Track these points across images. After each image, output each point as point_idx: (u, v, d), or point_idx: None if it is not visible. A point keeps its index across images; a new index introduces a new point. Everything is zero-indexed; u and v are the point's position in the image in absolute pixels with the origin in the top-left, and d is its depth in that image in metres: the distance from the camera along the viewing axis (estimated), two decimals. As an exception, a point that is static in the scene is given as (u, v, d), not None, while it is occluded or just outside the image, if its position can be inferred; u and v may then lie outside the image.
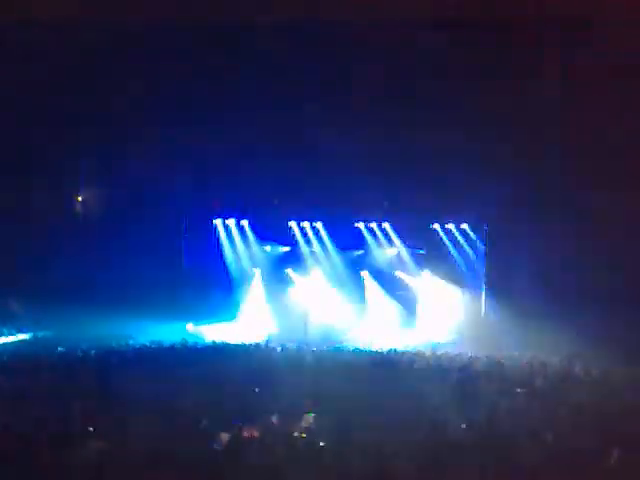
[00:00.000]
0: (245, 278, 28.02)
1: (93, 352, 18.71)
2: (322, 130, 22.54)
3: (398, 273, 27.98)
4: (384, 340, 24.50)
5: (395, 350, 21.91)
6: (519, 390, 14.35)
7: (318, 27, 20.28)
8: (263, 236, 27.91)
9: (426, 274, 27.66)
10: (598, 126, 21.28)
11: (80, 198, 26.07)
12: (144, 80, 22.17)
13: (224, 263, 27.79)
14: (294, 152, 23.91)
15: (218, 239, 27.76)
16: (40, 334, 22.22)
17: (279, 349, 21.29)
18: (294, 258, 28.01)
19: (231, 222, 27.82)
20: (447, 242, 27.45)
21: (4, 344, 21.23)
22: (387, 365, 18.14)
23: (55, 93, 21.95)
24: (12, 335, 22.11)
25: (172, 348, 20.28)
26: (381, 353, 21.32)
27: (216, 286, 27.13)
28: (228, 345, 22.38)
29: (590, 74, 20.60)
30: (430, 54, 21.22)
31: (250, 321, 27.36)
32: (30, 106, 22.00)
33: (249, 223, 27.76)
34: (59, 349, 19.22)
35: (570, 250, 23.41)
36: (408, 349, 22.95)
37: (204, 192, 25.63)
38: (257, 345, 22.20)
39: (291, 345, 22.25)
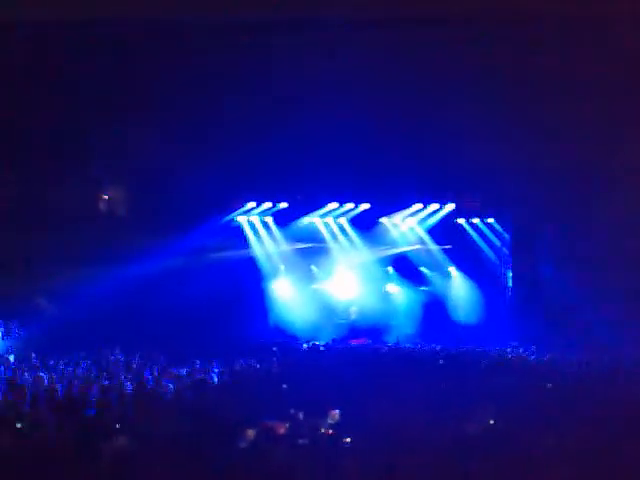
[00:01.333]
0: (274, 274, 27.99)
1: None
2: (343, 122, 22.46)
3: (423, 269, 27.93)
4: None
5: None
6: (549, 385, 14.25)
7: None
8: (287, 232, 27.88)
9: (452, 270, 27.60)
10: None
11: (106, 197, 26.24)
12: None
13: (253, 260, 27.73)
14: (320, 150, 23.71)
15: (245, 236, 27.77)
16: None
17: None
18: (319, 254, 28.01)
19: (255, 219, 27.84)
20: (474, 237, 27.39)
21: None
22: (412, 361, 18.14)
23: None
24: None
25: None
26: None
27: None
28: None
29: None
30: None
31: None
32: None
33: (274, 220, 27.78)
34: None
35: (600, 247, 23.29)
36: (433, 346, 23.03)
37: (228, 188, 25.58)
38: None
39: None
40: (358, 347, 23.44)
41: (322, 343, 23.50)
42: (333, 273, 27.85)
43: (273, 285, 27.78)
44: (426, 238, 27.64)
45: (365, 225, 27.51)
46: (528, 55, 21.24)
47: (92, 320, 22.38)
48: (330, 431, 9.93)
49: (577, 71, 20.95)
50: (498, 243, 27.22)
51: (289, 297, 27.63)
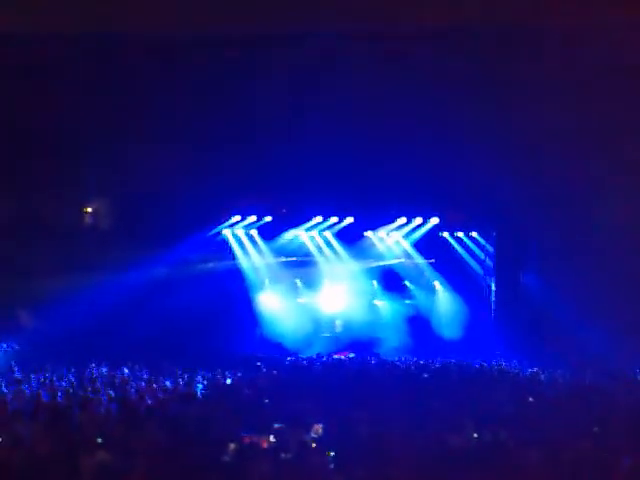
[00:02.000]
0: (260, 287, 28.00)
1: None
2: (327, 137, 22.55)
3: (407, 283, 28.01)
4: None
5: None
6: (531, 399, 14.31)
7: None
8: (273, 245, 27.89)
9: (437, 284, 27.73)
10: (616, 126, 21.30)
11: (89, 209, 26.14)
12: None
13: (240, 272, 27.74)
14: (303, 161, 23.76)
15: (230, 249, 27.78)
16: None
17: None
18: (306, 267, 28.04)
19: (240, 232, 27.84)
20: (458, 250, 27.51)
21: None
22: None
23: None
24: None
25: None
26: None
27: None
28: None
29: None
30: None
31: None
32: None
33: (258, 233, 27.79)
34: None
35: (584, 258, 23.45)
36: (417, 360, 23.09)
37: (213, 202, 25.56)
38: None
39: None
40: (342, 361, 23.38)
41: (305, 357, 23.44)
42: (320, 286, 27.88)
43: (259, 297, 27.74)
44: (411, 251, 27.72)
45: (350, 238, 27.55)
46: (514, 69, 21.37)
47: (76, 333, 22.26)
48: (313, 445, 9.94)
49: (563, 84, 21.13)
50: (482, 256, 27.34)
51: (276, 310, 27.59)
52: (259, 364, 20.70)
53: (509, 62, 21.01)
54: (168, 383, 15.87)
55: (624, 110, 20.82)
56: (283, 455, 9.33)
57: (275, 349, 25.45)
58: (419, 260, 27.79)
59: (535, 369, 19.85)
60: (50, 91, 21.64)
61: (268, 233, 27.55)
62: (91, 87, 22.08)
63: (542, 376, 18.54)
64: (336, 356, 24.40)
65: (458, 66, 21.10)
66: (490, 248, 27.04)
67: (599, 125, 21.42)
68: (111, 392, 14.01)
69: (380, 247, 27.86)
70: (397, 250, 27.87)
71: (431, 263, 27.71)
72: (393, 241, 27.77)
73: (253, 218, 27.29)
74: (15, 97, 21.41)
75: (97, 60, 21.34)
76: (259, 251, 27.76)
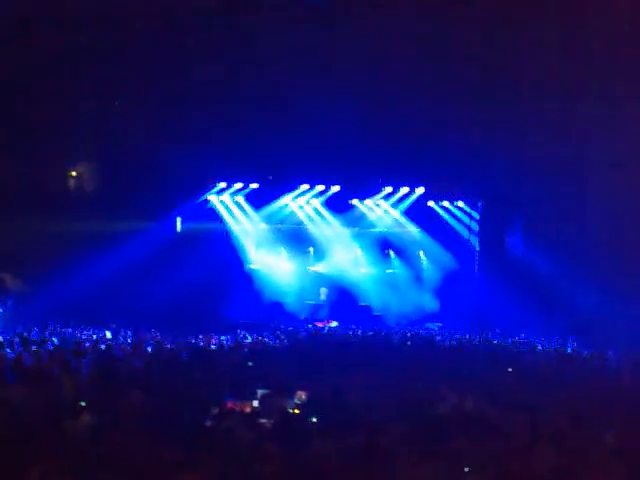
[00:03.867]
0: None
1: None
2: (315, 102, 22.40)
3: (390, 252, 28.10)
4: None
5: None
6: (510, 370, 14.44)
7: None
8: (262, 213, 27.90)
9: (421, 253, 27.85)
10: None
11: (74, 173, 25.97)
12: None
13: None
14: (290, 126, 23.64)
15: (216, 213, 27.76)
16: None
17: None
18: (290, 235, 28.11)
19: (226, 198, 27.77)
20: (448, 220, 27.60)
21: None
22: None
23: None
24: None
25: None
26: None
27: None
28: None
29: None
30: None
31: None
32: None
33: (246, 199, 27.75)
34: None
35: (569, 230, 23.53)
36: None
37: (197, 168, 25.43)
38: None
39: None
40: (325, 329, 23.51)
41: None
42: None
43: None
44: (402, 220, 27.78)
45: (339, 207, 27.58)
46: (508, 45, 21.27)
47: (63, 297, 22.25)
48: (297, 411, 9.98)
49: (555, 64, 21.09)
50: (467, 220, 27.44)
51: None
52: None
53: (497, 28, 20.90)
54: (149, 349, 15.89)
55: (609, 75, 20.82)
56: (265, 421, 9.37)
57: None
58: (409, 228, 27.83)
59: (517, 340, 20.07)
60: (37, 55, 21.39)
61: (255, 200, 27.51)
62: (79, 52, 21.84)
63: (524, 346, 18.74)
64: (319, 324, 24.52)
65: (445, 32, 20.98)
66: (476, 215, 27.15)
67: (585, 91, 21.43)
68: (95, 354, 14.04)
69: (370, 216, 27.92)
70: (386, 219, 27.92)
71: (418, 231, 27.78)
72: (382, 210, 27.79)
73: (239, 185, 27.24)
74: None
75: (89, 26, 21.08)
76: (249, 218, 27.77)
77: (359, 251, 28.04)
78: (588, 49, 20.28)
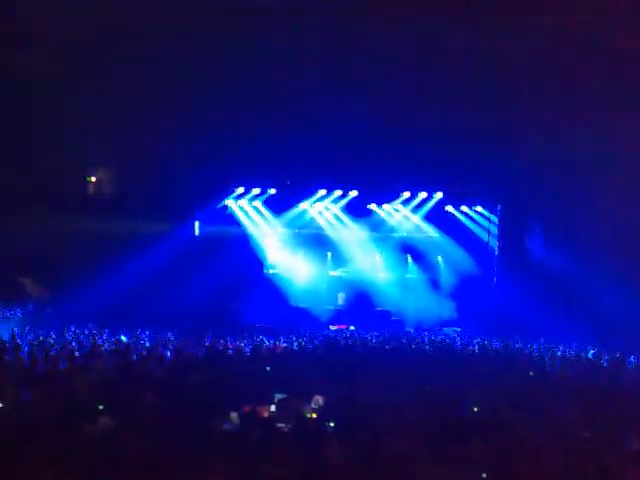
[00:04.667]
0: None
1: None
2: (334, 108, 22.39)
3: (409, 257, 28.07)
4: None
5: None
6: (532, 374, 14.35)
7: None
8: (282, 219, 27.98)
9: (440, 259, 27.77)
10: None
11: (93, 178, 26.10)
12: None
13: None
14: (308, 131, 23.64)
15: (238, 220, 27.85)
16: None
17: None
18: (309, 240, 28.14)
19: (244, 203, 27.83)
20: (466, 224, 27.49)
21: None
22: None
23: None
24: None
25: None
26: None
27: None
28: None
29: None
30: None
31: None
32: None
33: (264, 204, 27.79)
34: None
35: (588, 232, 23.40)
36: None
37: (215, 173, 25.51)
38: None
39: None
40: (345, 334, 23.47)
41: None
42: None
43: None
44: (422, 225, 27.72)
45: (358, 212, 27.58)
46: (525, 47, 21.14)
47: (82, 301, 22.38)
48: (314, 415, 9.96)
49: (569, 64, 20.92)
50: (486, 224, 27.32)
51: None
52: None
53: (507, 33, 20.80)
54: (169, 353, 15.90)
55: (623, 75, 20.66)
56: (283, 425, 9.35)
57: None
58: (429, 233, 27.75)
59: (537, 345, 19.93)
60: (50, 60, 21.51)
61: (274, 205, 27.58)
62: (93, 55, 21.93)
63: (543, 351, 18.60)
64: (334, 327, 24.49)
65: (456, 37, 20.90)
66: (495, 219, 27.05)
67: (596, 90, 21.29)
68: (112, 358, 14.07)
69: (389, 221, 27.89)
70: (406, 224, 27.85)
71: (437, 236, 27.70)
72: (401, 215, 27.73)
73: (257, 190, 27.32)
74: (15, 65, 21.26)
75: (98, 28, 21.13)
76: (267, 222, 27.82)
77: (378, 256, 28.01)
78: (606, 48, 20.09)
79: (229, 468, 7.21)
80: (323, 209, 27.88)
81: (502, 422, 9.19)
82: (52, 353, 14.45)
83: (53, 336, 18.10)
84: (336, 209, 27.74)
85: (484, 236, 27.59)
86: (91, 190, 26.05)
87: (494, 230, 27.29)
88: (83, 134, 24.04)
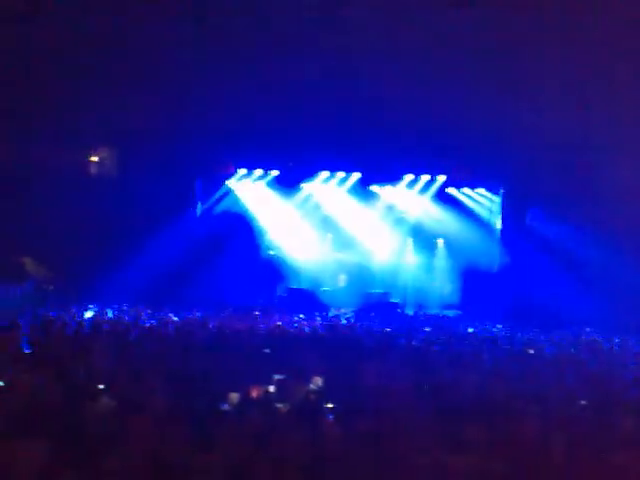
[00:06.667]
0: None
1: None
2: (335, 91, 22.35)
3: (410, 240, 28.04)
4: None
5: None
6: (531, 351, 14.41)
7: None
8: (290, 199, 28.01)
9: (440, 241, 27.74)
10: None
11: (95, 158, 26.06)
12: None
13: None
14: (310, 115, 23.57)
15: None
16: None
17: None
18: (312, 221, 28.15)
19: (247, 184, 27.80)
20: (468, 206, 27.39)
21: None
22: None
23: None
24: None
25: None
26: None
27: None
28: None
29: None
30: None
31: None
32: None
33: (267, 185, 27.75)
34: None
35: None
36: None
37: (217, 153, 25.49)
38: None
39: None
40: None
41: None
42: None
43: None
44: (423, 207, 27.64)
45: (363, 195, 27.51)
46: (524, 27, 21.04)
47: (84, 281, 22.47)
48: (312, 396, 9.98)
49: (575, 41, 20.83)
50: (488, 203, 27.24)
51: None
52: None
53: (513, 16, 20.71)
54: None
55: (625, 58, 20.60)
56: (281, 406, 9.37)
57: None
58: (434, 215, 27.68)
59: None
60: (51, 40, 21.44)
61: (277, 187, 27.54)
62: (93, 36, 21.86)
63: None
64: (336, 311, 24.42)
65: (462, 21, 20.83)
66: (497, 199, 26.93)
67: (601, 73, 21.23)
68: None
69: (394, 203, 27.83)
70: (410, 206, 27.79)
71: (442, 219, 27.61)
72: (406, 197, 27.67)
73: (260, 171, 27.27)
74: (16, 46, 21.19)
75: (99, 11, 21.07)
76: (270, 204, 27.77)
77: (382, 239, 27.94)
78: (613, 31, 20.03)
79: (230, 448, 7.24)
80: (327, 190, 27.77)
81: (502, 408, 9.21)
82: (52, 331, 14.49)
83: (53, 315, 18.15)
84: (341, 190, 27.62)
85: (488, 218, 27.41)
86: (92, 171, 26.00)
87: (497, 210, 27.09)
88: (84, 114, 24.00)
